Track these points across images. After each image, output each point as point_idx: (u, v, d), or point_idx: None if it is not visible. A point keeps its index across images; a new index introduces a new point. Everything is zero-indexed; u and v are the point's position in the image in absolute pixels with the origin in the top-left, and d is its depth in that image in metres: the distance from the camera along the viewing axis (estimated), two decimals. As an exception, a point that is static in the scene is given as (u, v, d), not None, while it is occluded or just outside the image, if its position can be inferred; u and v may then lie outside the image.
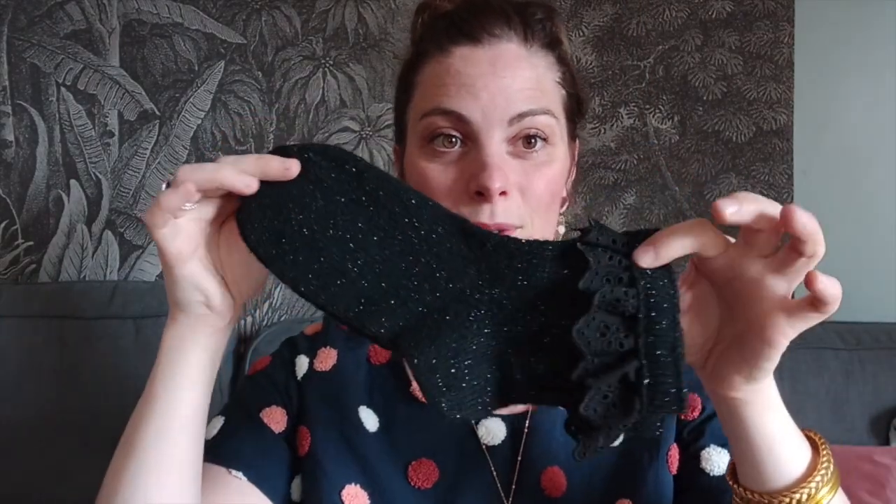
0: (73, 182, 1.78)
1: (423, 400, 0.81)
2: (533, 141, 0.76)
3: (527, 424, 0.81)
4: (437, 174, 0.77)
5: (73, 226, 1.79)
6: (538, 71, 0.78)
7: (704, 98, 1.78)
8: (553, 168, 0.78)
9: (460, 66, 0.76)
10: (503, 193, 0.74)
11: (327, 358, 0.86)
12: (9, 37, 1.77)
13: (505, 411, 0.81)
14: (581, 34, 1.78)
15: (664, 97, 1.78)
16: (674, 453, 0.82)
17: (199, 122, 1.79)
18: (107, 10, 1.77)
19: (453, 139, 0.76)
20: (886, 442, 1.54)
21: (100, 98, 1.78)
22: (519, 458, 0.80)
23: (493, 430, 0.81)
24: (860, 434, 1.56)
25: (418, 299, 0.62)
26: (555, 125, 0.78)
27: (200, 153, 1.79)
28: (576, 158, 0.87)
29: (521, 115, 0.75)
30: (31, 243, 1.79)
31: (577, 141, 0.87)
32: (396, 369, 0.85)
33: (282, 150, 0.64)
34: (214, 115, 1.79)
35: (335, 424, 0.82)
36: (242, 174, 0.63)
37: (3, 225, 1.78)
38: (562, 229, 0.86)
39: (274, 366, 0.88)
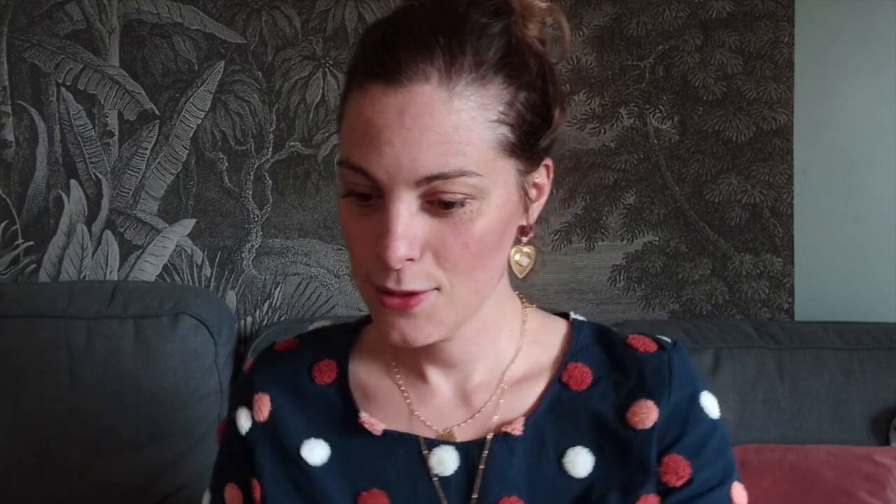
0: (73, 182, 1.78)
1: (373, 431, 0.80)
2: (448, 204, 0.68)
3: (484, 453, 0.78)
4: (353, 225, 0.71)
5: (73, 226, 1.79)
6: (462, 117, 0.67)
7: (704, 98, 1.78)
8: (477, 225, 0.69)
9: (370, 111, 0.67)
10: (410, 259, 0.68)
11: (262, 406, 0.83)
12: (9, 37, 1.77)
13: (459, 439, 0.79)
14: (581, 34, 1.78)
15: (664, 97, 1.78)
16: (646, 503, 0.77)
17: (199, 122, 1.79)
18: (107, 10, 1.77)
19: (364, 192, 0.70)
20: (886, 442, 1.54)
21: (100, 98, 1.78)
22: (475, 489, 0.77)
23: (444, 461, 0.78)
24: (860, 434, 1.56)
25: None
26: (478, 182, 0.68)
27: (200, 153, 1.79)
28: (551, 176, 0.78)
29: (430, 178, 0.67)
30: (31, 243, 1.79)
31: (548, 161, 0.77)
32: (344, 394, 0.83)
33: None
34: (214, 115, 1.79)
35: (281, 471, 0.81)
36: None
37: (3, 225, 1.78)
38: (525, 260, 0.79)
39: (227, 434, 0.87)
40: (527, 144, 0.71)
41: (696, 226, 1.80)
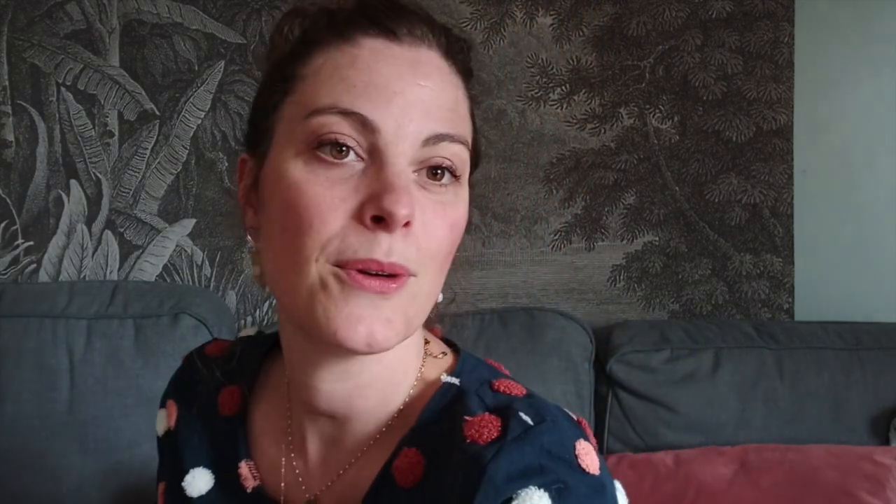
0: (73, 182, 1.78)
1: (245, 486, 0.72)
2: (440, 173, 0.62)
3: None
4: (321, 190, 0.60)
5: (73, 226, 1.79)
6: (458, 93, 0.64)
7: (704, 98, 1.78)
8: (458, 211, 0.64)
9: (372, 60, 0.61)
10: (407, 224, 0.60)
11: (171, 414, 0.79)
12: (9, 37, 1.77)
13: None
14: (581, 34, 1.78)
15: (664, 97, 1.78)
16: None
17: (199, 122, 1.79)
18: (107, 10, 1.77)
19: (344, 149, 0.60)
20: (886, 442, 1.54)
21: (100, 98, 1.78)
22: None
23: None
24: (860, 434, 1.56)
25: None
26: (466, 161, 0.64)
27: (200, 153, 1.79)
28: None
29: (439, 138, 0.61)
30: (31, 243, 1.79)
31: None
32: (238, 433, 0.75)
33: None
34: (214, 115, 1.79)
35: (171, 486, 0.78)
36: None
37: (3, 225, 1.78)
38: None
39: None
40: (473, 158, 0.68)
41: (696, 226, 1.80)
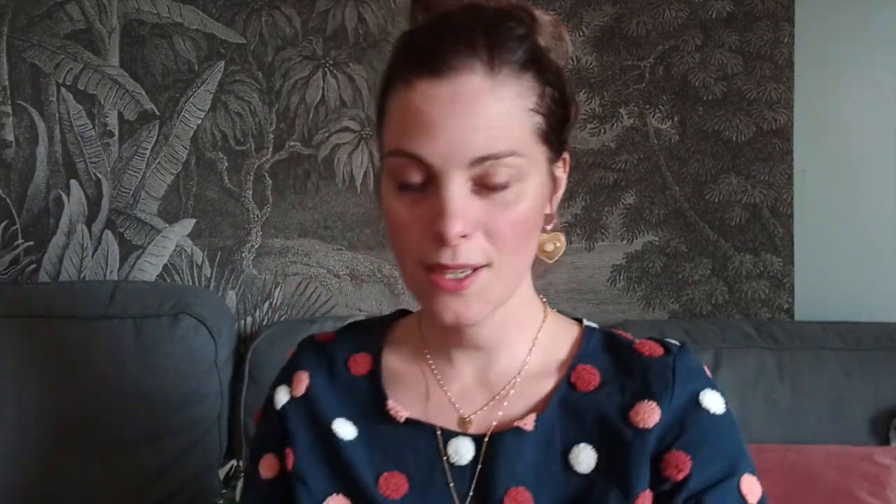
0: (73, 182, 1.78)
1: (397, 418, 0.86)
2: (497, 186, 0.76)
3: (497, 446, 0.83)
4: (403, 214, 0.77)
5: (73, 226, 1.79)
6: (505, 105, 0.75)
7: (704, 98, 1.78)
8: (522, 206, 0.77)
9: (421, 102, 0.74)
10: (464, 237, 0.75)
11: (301, 382, 0.90)
12: (9, 37, 1.77)
13: (475, 427, 0.85)
14: (581, 34, 1.78)
15: (664, 97, 1.78)
16: (644, 500, 0.81)
17: (199, 122, 1.79)
18: (107, 10, 1.77)
19: (416, 180, 0.76)
20: (886, 442, 1.54)
21: (100, 98, 1.78)
22: (486, 478, 0.83)
23: (460, 451, 0.84)
24: (860, 434, 1.56)
25: None
26: (522, 163, 0.76)
27: (200, 153, 1.79)
28: (567, 170, 0.87)
29: (482, 160, 0.74)
30: (31, 243, 1.79)
31: (566, 154, 0.86)
32: (376, 383, 0.89)
33: None
34: (214, 115, 1.79)
35: (314, 442, 0.87)
36: None
37: (3, 225, 1.78)
38: (550, 247, 0.88)
39: (264, 411, 0.94)
40: (554, 134, 0.80)
41: (696, 226, 1.80)
